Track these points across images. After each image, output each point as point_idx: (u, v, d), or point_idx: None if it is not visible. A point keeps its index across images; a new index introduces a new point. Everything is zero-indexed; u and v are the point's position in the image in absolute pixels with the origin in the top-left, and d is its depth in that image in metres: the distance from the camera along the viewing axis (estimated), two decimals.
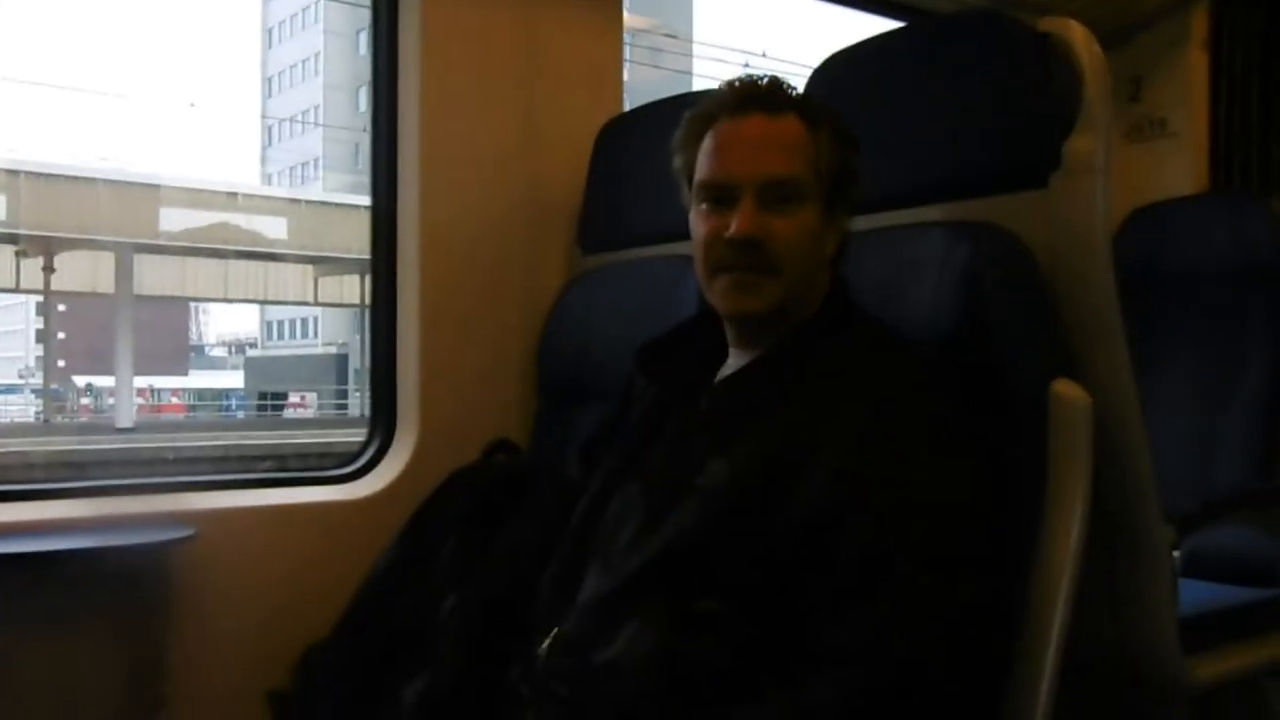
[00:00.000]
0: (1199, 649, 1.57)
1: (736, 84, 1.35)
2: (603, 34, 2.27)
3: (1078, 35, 1.44)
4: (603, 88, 2.26)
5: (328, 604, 1.76)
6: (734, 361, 1.39)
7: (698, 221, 1.35)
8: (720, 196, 1.31)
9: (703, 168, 1.33)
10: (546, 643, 1.31)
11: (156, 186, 19.95)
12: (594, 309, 2.02)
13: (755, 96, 1.33)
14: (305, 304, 27.65)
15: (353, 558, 1.79)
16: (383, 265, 2.09)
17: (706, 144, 1.33)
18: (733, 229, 1.28)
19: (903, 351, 1.32)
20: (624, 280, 1.97)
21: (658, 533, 1.26)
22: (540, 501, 1.65)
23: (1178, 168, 3.26)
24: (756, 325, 1.35)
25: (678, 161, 1.38)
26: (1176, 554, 2.14)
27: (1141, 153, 3.29)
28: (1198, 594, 1.79)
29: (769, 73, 1.37)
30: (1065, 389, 1.35)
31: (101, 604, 1.62)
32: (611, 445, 1.48)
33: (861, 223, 1.48)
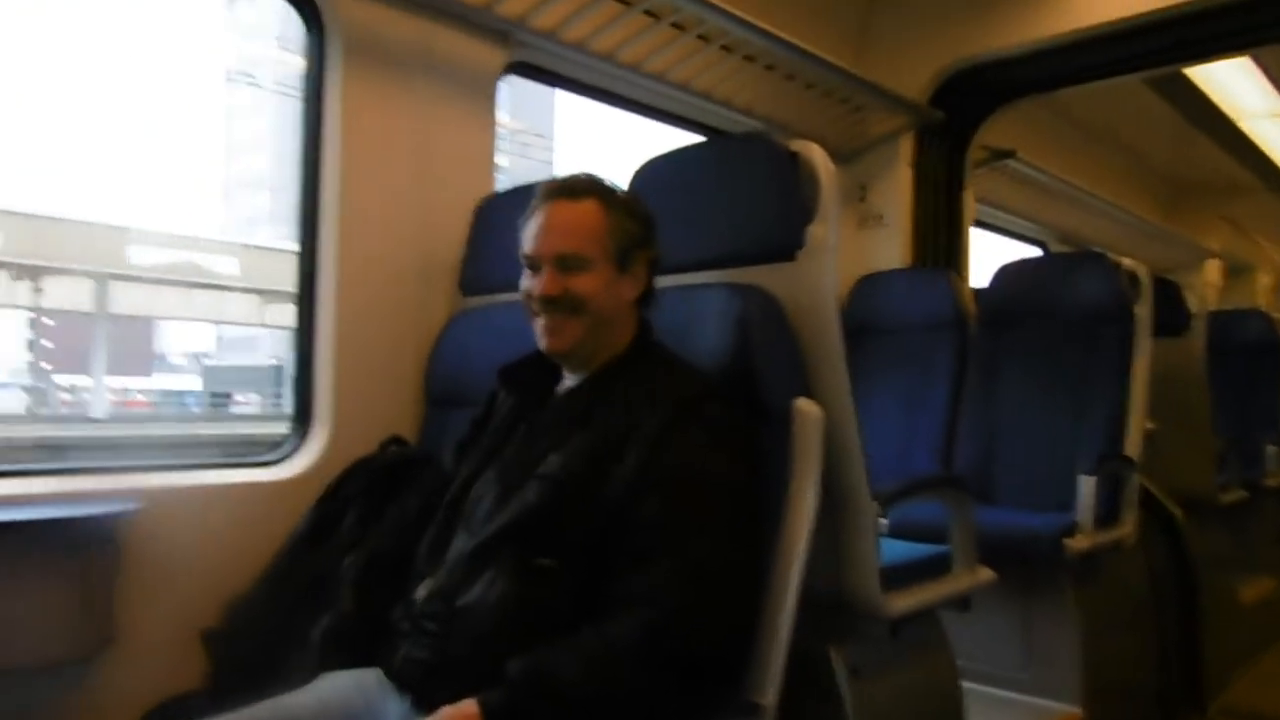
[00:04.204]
0: (896, 587, 1.63)
1: (551, 180, 1.37)
2: (479, 132, 2.23)
3: (817, 154, 1.49)
4: (479, 172, 2.21)
5: (252, 563, 1.67)
6: (569, 382, 1.38)
7: (522, 282, 1.35)
8: (532, 265, 1.33)
9: (523, 244, 1.34)
10: (422, 590, 1.28)
11: (126, 229, 18.69)
12: (470, 337, 1.98)
13: (560, 189, 1.34)
14: (250, 325, 26.18)
15: (274, 527, 1.70)
16: (305, 297, 2.00)
17: (529, 225, 1.34)
18: (538, 290, 1.31)
19: (692, 374, 1.34)
20: (492, 317, 1.93)
21: (508, 507, 1.24)
22: (422, 484, 1.59)
23: (891, 249, 3.40)
24: (568, 359, 1.35)
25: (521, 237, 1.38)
26: (885, 521, 2.25)
27: (866, 237, 3.43)
28: (900, 550, 1.86)
29: (584, 170, 1.38)
30: (804, 405, 1.39)
31: (60, 562, 1.49)
32: (477, 442, 1.45)
33: (666, 281, 1.49)
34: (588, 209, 1.32)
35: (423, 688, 1.21)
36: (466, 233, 2.09)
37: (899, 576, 1.68)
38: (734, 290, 1.46)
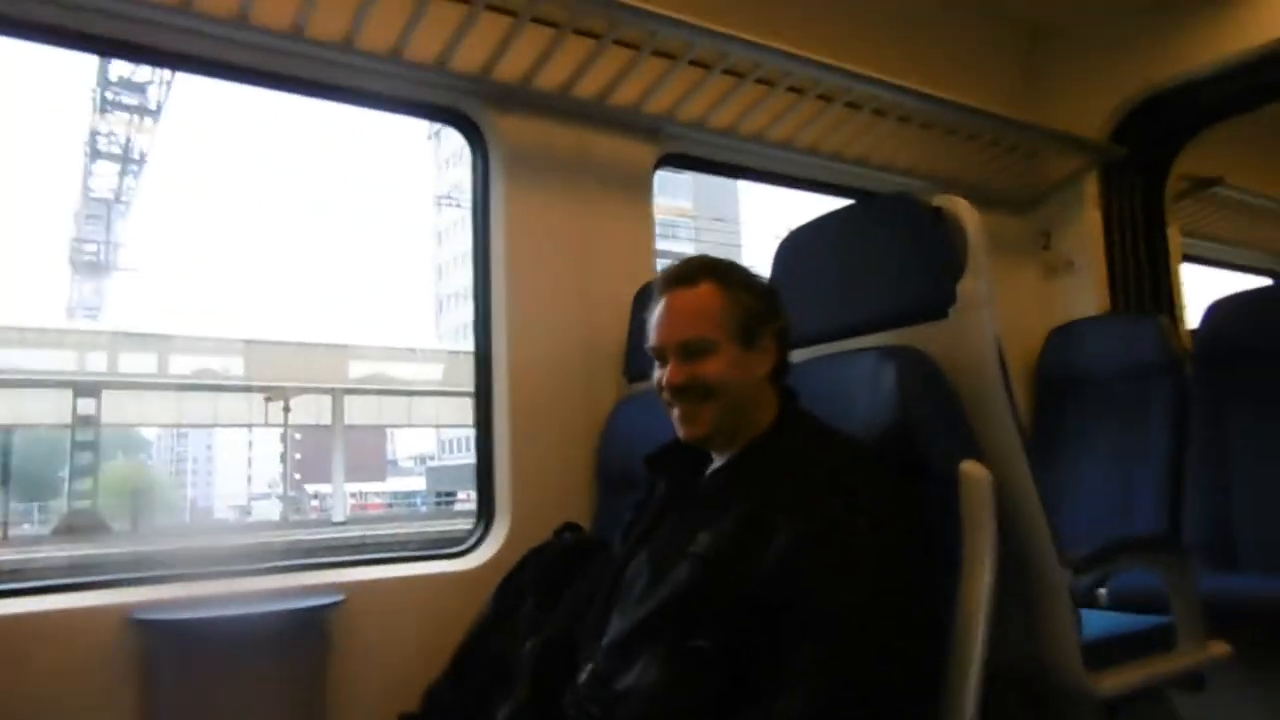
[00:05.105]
0: (1106, 664, 1.48)
1: (666, 270, 1.39)
2: (638, 224, 2.33)
3: (961, 207, 1.44)
4: (638, 260, 2.31)
5: (446, 648, 1.75)
6: (717, 462, 1.38)
7: (654, 374, 1.38)
8: (659, 357, 1.36)
9: (647, 336, 1.38)
10: (584, 675, 1.30)
11: (353, 346, 20.81)
12: (636, 422, 2.03)
13: (674, 277, 1.36)
14: (462, 427, 27.90)
15: (462, 614, 1.78)
16: (482, 394, 2.13)
17: (650, 319, 1.38)
18: (666, 380, 1.33)
19: (839, 442, 1.30)
20: (656, 401, 1.97)
21: (660, 588, 1.24)
22: (595, 569, 1.64)
23: (1085, 296, 3.17)
24: (708, 443, 1.36)
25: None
26: (1103, 591, 2.03)
27: (1055, 287, 3.22)
28: (1111, 623, 1.69)
29: (699, 254, 1.40)
30: (970, 468, 1.31)
31: (278, 650, 1.64)
32: (636, 526, 1.47)
33: (818, 350, 1.48)
34: (703, 292, 1.33)
35: None
36: (628, 321, 2.17)
37: (1109, 651, 1.53)
38: (885, 353, 1.42)
